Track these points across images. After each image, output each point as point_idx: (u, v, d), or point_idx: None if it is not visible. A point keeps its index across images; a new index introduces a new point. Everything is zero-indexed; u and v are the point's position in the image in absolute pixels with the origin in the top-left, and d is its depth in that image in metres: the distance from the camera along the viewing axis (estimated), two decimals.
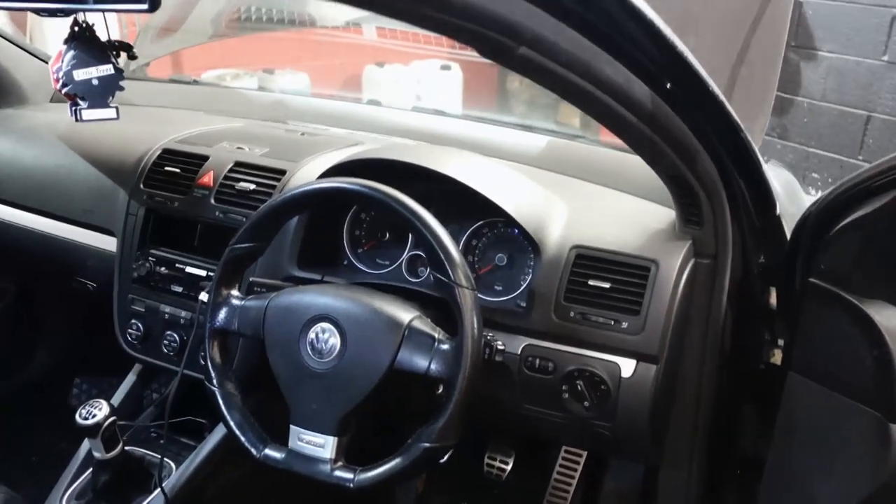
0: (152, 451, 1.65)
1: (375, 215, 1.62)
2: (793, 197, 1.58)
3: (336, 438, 1.23)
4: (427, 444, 1.18)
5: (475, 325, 1.17)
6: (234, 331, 1.32)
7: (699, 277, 1.37)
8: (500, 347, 1.25)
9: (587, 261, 1.36)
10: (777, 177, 1.38)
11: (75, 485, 1.58)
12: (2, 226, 1.96)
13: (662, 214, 1.44)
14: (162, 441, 1.55)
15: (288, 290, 1.33)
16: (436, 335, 1.21)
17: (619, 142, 1.17)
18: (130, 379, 1.78)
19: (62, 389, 2.48)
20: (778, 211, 1.34)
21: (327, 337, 1.23)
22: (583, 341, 1.34)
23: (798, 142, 3.72)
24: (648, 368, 1.32)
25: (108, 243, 1.76)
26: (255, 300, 1.33)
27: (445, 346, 1.19)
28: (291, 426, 1.26)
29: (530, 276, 1.47)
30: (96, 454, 1.50)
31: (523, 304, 1.46)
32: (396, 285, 1.47)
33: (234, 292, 1.35)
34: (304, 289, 1.32)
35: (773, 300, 1.44)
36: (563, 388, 1.36)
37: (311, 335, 1.24)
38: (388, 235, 1.62)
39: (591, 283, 1.34)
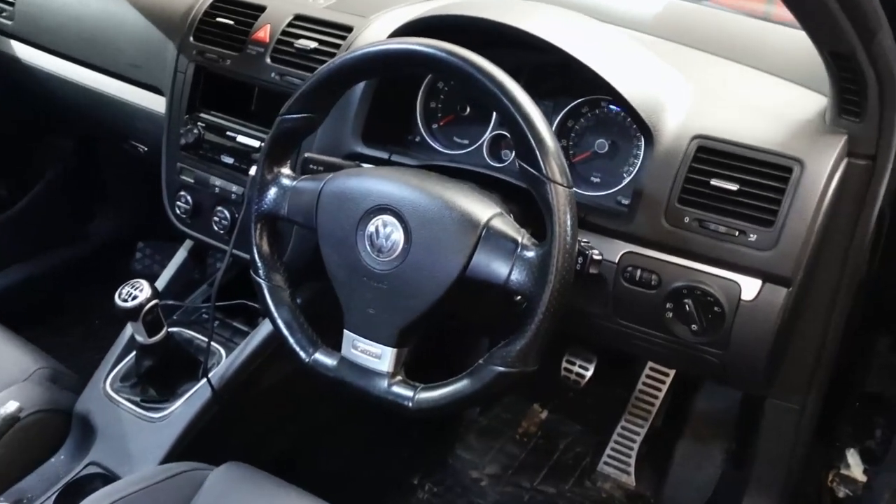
0: (201, 335, 1.52)
1: (455, 85, 1.38)
2: None
3: (395, 350, 1.05)
4: (501, 368, 0.99)
5: (568, 231, 0.94)
6: (283, 216, 1.13)
7: (850, 183, 1.10)
8: (597, 257, 1.03)
9: (711, 155, 1.10)
10: None
11: (119, 366, 1.47)
12: (53, 79, 1.80)
13: (810, 102, 1.15)
14: (210, 326, 1.40)
15: (346, 171, 1.12)
16: (519, 239, 0.99)
17: (756, 7, 0.89)
18: (181, 255, 1.64)
19: (125, 255, 2.39)
20: None
21: (389, 232, 1.03)
22: (696, 253, 1.11)
23: None
24: (776, 292, 1.08)
25: (157, 103, 1.58)
26: (309, 181, 1.13)
27: (530, 254, 0.97)
28: (345, 331, 1.09)
29: (636, 168, 1.23)
30: (139, 338, 1.37)
31: (626, 203, 1.22)
32: (475, 170, 1.25)
33: (286, 170, 1.15)
34: (365, 171, 1.11)
35: None
36: (668, 306, 1.14)
37: (371, 228, 1.04)
38: (468, 110, 1.38)
39: (713, 182, 1.09)
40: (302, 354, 1.12)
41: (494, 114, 1.34)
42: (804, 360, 1.27)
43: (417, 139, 1.41)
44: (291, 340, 1.13)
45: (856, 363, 1.38)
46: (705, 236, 1.10)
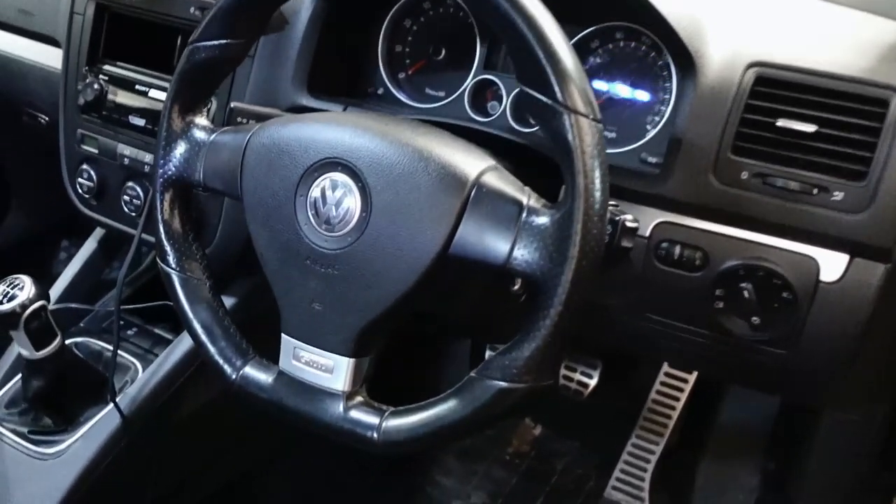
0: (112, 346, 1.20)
1: (426, 21, 1.09)
2: None
3: (352, 361, 0.76)
4: (502, 383, 0.69)
5: (596, 184, 0.65)
6: (196, 181, 0.83)
7: None
8: (631, 224, 0.74)
9: (775, 88, 0.82)
10: None
11: (5, 389, 1.15)
12: None
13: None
14: (115, 332, 1.09)
15: (280, 118, 0.82)
16: (524, 199, 0.70)
17: None
18: (89, 247, 1.32)
19: (44, 256, 2.05)
20: None
21: (340, 196, 0.73)
22: (758, 221, 0.83)
23: None
24: (869, 269, 0.80)
25: (54, 58, 1.26)
26: (231, 133, 0.83)
27: (541, 220, 0.68)
28: (284, 336, 0.79)
29: (667, 113, 0.94)
30: (23, 352, 1.05)
31: (653, 161, 0.94)
32: (454, 124, 0.96)
33: (201, 120, 0.85)
34: (305, 117, 0.81)
35: None
36: (717, 293, 0.86)
37: (315, 192, 0.75)
38: (443, 53, 1.09)
39: (780, 124, 0.81)
40: (226, 368, 0.82)
41: (477, 55, 1.05)
42: (875, 361, 0.99)
43: (380, 91, 1.11)
44: (212, 350, 0.83)
45: None
46: (770, 196, 0.82)
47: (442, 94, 1.09)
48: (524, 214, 0.69)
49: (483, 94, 1.06)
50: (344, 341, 0.76)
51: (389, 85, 1.10)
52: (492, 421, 0.73)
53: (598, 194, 0.65)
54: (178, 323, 1.24)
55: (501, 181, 0.71)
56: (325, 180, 0.74)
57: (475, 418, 0.71)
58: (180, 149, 0.83)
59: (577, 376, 1.48)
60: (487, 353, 1.57)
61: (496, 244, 0.69)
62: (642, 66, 0.97)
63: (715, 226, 0.85)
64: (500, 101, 1.04)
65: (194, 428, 1.20)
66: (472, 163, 0.72)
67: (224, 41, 0.81)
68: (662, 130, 0.94)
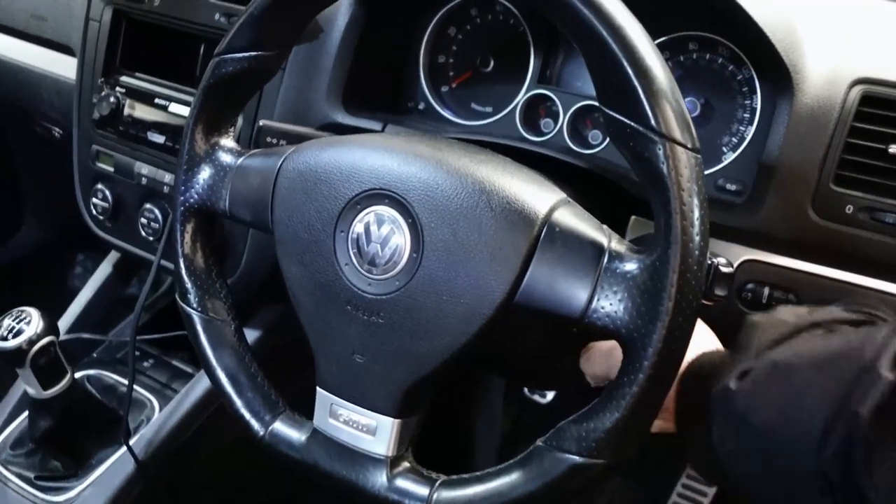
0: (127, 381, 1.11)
1: (472, 29, 0.99)
2: None
3: (398, 422, 0.66)
4: (576, 458, 0.59)
5: (696, 226, 0.55)
6: (221, 210, 0.74)
7: None
8: (727, 270, 0.63)
9: (884, 108, 0.71)
10: None
11: (9, 429, 1.06)
12: None
13: None
14: (130, 366, 1.00)
15: (318, 141, 0.72)
16: (605, 241, 0.60)
17: None
18: (103, 271, 1.23)
19: (58, 270, 1.97)
20: None
21: (387, 233, 0.63)
22: (863, 260, 0.72)
23: None
24: None
25: (69, 67, 1.17)
26: (261, 157, 0.73)
27: (629, 267, 0.58)
28: (319, 390, 0.69)
29: (750, 134, 0.84)
30: (30, 391, 0.96)
31: (732, 188, 0.84)
32: (504, 144, 0.86)
33: (227, 142, 0.75)
34: (346, 140, 0.71)
35: None
36: None
37: (358, 228, 0.65)
38: (491, 64, 0.99)
39: (893, 150, 0.70)
40: (253, 423, 0.72)
41: (531, 68, 0.95)
42: None
43: (421, 106, 1.01)
44: (238, 402, 0.73)
45: None
46: (879, 234, 0.71)
47: (489, 109, 0.99)
48: (605, 259, 0.58)
49: (535, 111, 0.96)
50: (389, 399, 0.66)
51: (431, 99, 1.00)
52: (560, 495, 0.62)
53: (697, 238, 0.55)
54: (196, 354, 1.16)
55: (577, 218, 0.61)
56: (369, 214, 0.64)
57: (543, 496, 0.61)
58: (204, 173, 0.74)
59: None
60: (527, 393, 1.48)
61: (572, 293, 0.59)
62: (718, 80, 0.86)
63: (811, 265, 0.74)
64: (555, 119, 0.94)
65: (214, 472, 1.11)
66: (541, 196, 0.62)
67: (254, 53, 0.71)
68: (744, 154, 0.84)
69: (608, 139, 0.91)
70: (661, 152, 0.55)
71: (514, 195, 0.61)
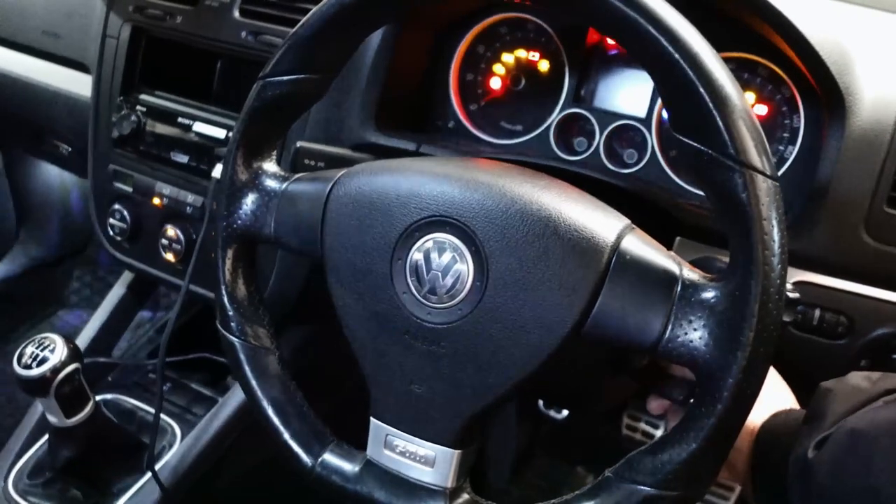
0: (147, 405, 1.09)
1: (502, 46, 0.98)
2: None
3: (457, 453, 0.65)
4: (650, 490, 0.58)
5: (775, 254, 0.54)
6: (267, 236, 0.72)
7: None
8: (793, 296, 0.63)
9: None
10: None
11: (27, 456, 1.03)
12: None
13: None
14: (158, 393, 0.97)
15: (369, 165, 0.71)
16: (677, 270, 0.59)
17: None
18: (117, 292, 1.20)
19: (56, 286, 1.93)
20: None
21: (449, 261, 0.62)
22: None
23: None
24: None
25: (82, 85, 1.15)
26: (309, 183, 0.71)
27: (706, 296, 0.57)
28: (373, 420, 0.67)
29: (792, 155, 0.83)
30: (52, 419, 0.94)
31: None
32: (540, 163, 0.85)
33: (270, 166, 0.74)
34: (400, 164, 0.70)
35: None
36: (863, 363, 0.75)
37: (417, 256, 0.63)
38: (522, 82, 0.98)
39: None
40: (303, 455, 0.70)
41: (566, 87, 0.94)
42: None
43: (451, 124, 1.00)
44: (286, 433, 0.71)
45: None
46: None
47: (519, 128, 0.98)
48: (679, 287, 0.58)
49: (568, 130, 0.95)
50: (449, 430, 0.64)
51: (462, 117, 0.99)
52: None
53: (778, 268, 0.54)
54: (216, 376, 1.14)
55: (646, 246, 0.60)
56: (428, 242, 0.63)
57: None
58: (248, 199, 0.72)
59: (642, 426, 1.37)
60: (542, 408, 1.46)
61: (645, 323, 0.58)
62: (764, 99, 0.86)
63: (862, 287, 0.74)
64: (589, 138, 0.93)
65: (238, 499, 1.08)
66: (608, 223, 0.61)
67: (300, 76, 0.70)
68: (786, 175, 0.83)
69: (645, 159, 0.91)
70: (740, 181, 0.54)
71: (582, 223, 0.60)
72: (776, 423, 0.65)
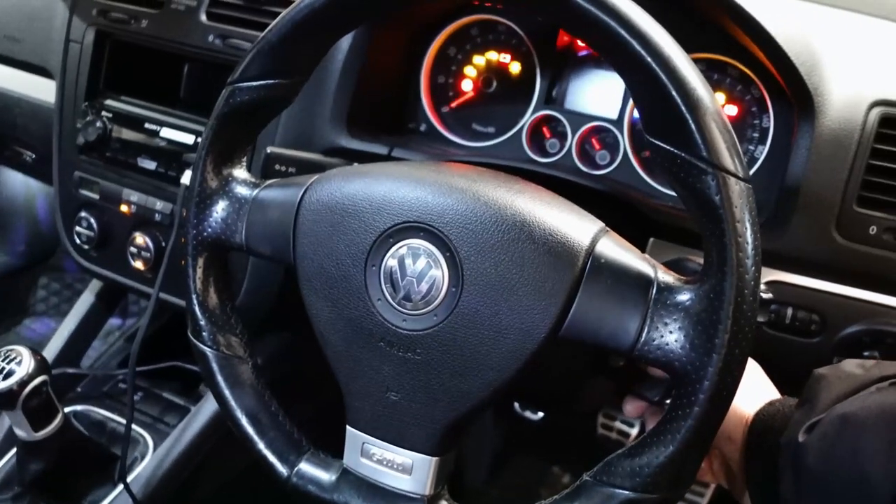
0: (118, 416, 1.07)
1: (472, 48, 0.97)
2: None
3: (435, 460, 0.64)
4: (629, 493, 0.58)
5: (749, 255, 0.54)
6: (238, 244, 0.71)
7: None
8: (766, 296, 0.63)
9: None
10: None
11: None
12: None
13: None
14: (129, 403, 0.95)
15: (342, 170, 0.70)
16: (652, 272, 0.59)
17: None
18: (85, 301, 1.18)
19: (20, 295, 1.89)
20: None
21: (424, 267, 0.61)
22: (888, 281, 0.73)
23: None
24: None
25: (46, 90, 1.12)
26: (280, 188, 0.70)
27: (681, 298, 0.57)
28: (349, 429, 0.66)
29: (763, 155, 0.84)
30: (20, 433, 0.91)
31: None
32: (512, 166, 0.85)
33: (240, 173, 0.72)
34: (373, 169, 0.69)
35: None
36: (836, 361, 0.75)
37: (391, 262, 0.62)
38: (494, 84, 0.98)
39: None
40: (278, 465, 0.69)
41: (538, 89, 0.94)
42: None
43: (422, 127, 1.00)
44: (260, 443, 0.70)
45: None
46: None
47: (491, 130, 0.98)
48: (654, 290, 0.58)
49: (540, 131, 0.95)
50: (427, 438, 0.64)
51: (433, 120, 0.99)
52: None
53: (752, 269, 0.54)
54: (188, 385, 1.12)
55: (620, 249, 0.60)
56: (402, 248, 0.62)
57: None
58: (218, 206, 0.71)
59: (618, 425, 1.38)
60: (517, 409, 1.46)
61: (621, 326, 0.58)
62: (734, 100, 0.87)
63: (834, 286, 0.75)
64: (561, 139, 0.93)
65: None
66: (582, 227, 0.61)
67: (270, 81, 0.69)
68: (757, 174, 0.84)
69: (617, 160, 0.92)
70: (713, 183, 0.54)
71: (556, 227, 0.60)
72: (771, 411, 0.65)
